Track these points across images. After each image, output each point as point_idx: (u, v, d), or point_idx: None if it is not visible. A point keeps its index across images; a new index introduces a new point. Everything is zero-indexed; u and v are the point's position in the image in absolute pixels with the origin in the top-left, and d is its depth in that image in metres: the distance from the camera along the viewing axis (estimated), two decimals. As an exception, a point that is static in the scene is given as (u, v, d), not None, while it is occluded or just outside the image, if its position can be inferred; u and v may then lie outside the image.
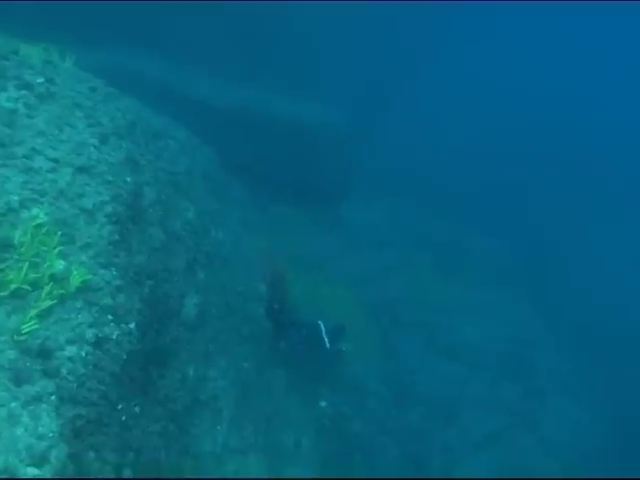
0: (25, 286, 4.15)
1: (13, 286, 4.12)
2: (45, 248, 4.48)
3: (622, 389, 14.19)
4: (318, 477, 8.91)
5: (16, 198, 4.72)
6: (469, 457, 10.85)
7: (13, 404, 3.62)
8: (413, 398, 11.28)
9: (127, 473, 4.62)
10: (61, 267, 4.47)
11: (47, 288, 4.20)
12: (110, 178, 5.63)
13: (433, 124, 21.97)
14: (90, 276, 4.59)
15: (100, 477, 4.19)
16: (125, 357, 4.74)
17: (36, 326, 3.99)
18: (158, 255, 6.09)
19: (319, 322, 10.11)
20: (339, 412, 10.16)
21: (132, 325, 4.95)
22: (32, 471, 3.43)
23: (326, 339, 10.02)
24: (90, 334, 4.33)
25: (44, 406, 3.74)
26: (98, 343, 4.39)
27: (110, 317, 4.64)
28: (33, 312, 4.05)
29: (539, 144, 23.28)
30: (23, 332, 3.93)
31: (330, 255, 13.22)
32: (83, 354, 4.20)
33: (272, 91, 14.09)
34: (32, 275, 4.23)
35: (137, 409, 5.10)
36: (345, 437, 9.88)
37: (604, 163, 23.64)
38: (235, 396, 7.74)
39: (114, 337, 4.61)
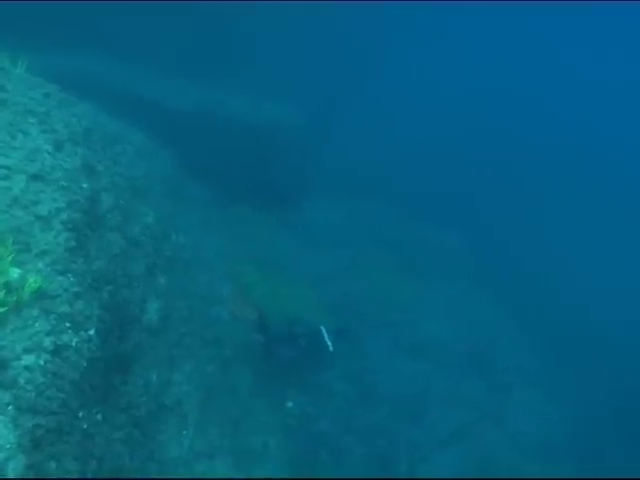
0: (-22, 296, 4.09)
1: (-35, 296, 4.06)
2: (-2, 256, 4.42)
3: (585, 381, 14.46)
4: (294, 477, 8.95)
5: (-33, 207, 4.65)
6: (435, 453, 10.92)
7: (-32, 417, 3.57)
8: (378, 397, 11.30)
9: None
10: (16, 275, 4.41)
11: (0, 296, 4.14)
12: (66, 184, 5.57)
13: (390, 122, 22.08)
14: (47, 283, 4.53)
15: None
16: (85, 364, 4.70)
17: (-9, 336, 3.94)
18: (117, 261, 6.04)
19: (321, 327, 10.35)
20: (305, 412, 10.15)
21: (92, 332, 4.90)
22: (-11, 484, 3.39)
23: (329, 343, 10.24)
24: (48, 342, 4.28)
25: (0, 417, 3.68)
26: (57, 351, 4.34)
27: (68, 324, 4.59)
28: (-13, 322, 3.99)
29: (496, 140, 23.57)
30: (-23, 343, 3.87)
31: (292, 256, 13.20)
32: (41, 363, 4.15)
33: (229, 91, 14.04)
34: (-15, 284, 4.17)
35: (99, 416, 5.05)
36: (312, 437, 9.87)
37: (559, 159, 24.07)
38: (200, 400, 7.71)
39: (73, 344, 4.56)
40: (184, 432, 7.07)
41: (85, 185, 5.90)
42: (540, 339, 15.00)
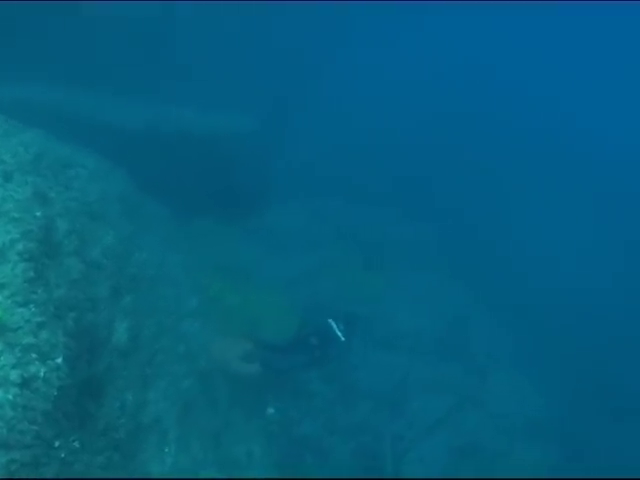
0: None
1: None
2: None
3: (561, 359, 14.72)
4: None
5: None
6: (420, 443, 11.06)
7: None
8: (358, 394, 11.40)
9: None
10: (-25, 311, 4.38)
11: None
12: (18, 215, 5.52)
13: (348, 120, 22.18)
14: (8, 316, 4.50)
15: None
16: (56, 393, 4.66)
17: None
18: (79, 286, 5.99)
19: (329, 320, 10.35)
20: (287, 417, 10.21)
21: (59, 360, 4.86)
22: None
23: (339, 334, 10.23)
24: (15, 375, 4.25)
25: (-27, 456, 3.66)
26: (25, 383, 4.31)
27: (34, 355, 4.56)
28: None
29: (459, 131, 23.83)
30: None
31: (258, 263, 13.22)
32: (10, 397, 4.12)
33: (179, 105, 13.96)
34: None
35: (77, 444, 5.01)
36: (295, 441, 9.94)
37: (525, 148, 24.44)
38: (179, 416, 7.69)
39: (41, 375, 4.53)
40: (166, 449, 7.05)
41: (38, 213, 5.85)
42: (512, 321, 15.22)
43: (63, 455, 4.65)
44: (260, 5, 16.57)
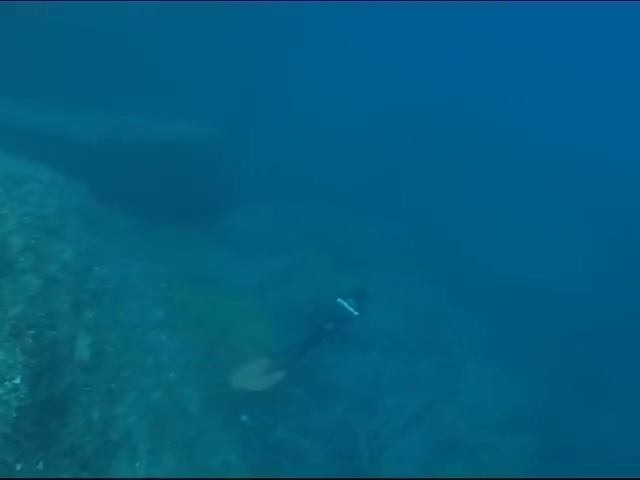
0: None
1: None
2: None
3: (535, 348, 14.82)
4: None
5: None
6: (397, 440, 11.02)
7: None
8: (333, 395, 11.32)
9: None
10: None
11: None
12: (-32, 234, 5.38)
13: (312, 121, 22.12)
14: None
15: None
16: (15, 415, 4.54)
17: None
18: (36, 302, 5.85)
19: (338, 300, 10.73)
20: (261, 423, 10.09)
21: (17, 380, 4.74)
22: None
23: (352, 309, 10.58)
24: (-31, 399, 4.13)
25: None
26: (-19, 407, 4.19)
27: (-10, 377, 4.44)
28: None
29: (423, 128, 23.92)
30: None
31: (225, 268, 13.10)
32: (-35, 421, 4.00)
33: (138, 115, 13.81)
34: None
35: (41, 465, 4.89)
36: (271, 446, 9.82)
37: (490, 142, 24.63)
38: (150, 429, 7.55)
39: (-2, 397, 4.41)
40: (137, 464, 6.91)
41: (-10, 231, 5.71)
42: (486, 314, 15.29)
43: (26, 478, 4.52)
44: (219, 9, 16.48)
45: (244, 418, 10.00)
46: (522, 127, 26.54)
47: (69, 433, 5.65)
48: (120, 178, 12.44)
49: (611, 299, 18.71)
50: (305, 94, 22.19)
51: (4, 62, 12.79)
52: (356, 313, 10.66)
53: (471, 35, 33.65)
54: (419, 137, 23.06)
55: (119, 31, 15.16)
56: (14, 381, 4.68)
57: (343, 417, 10.93)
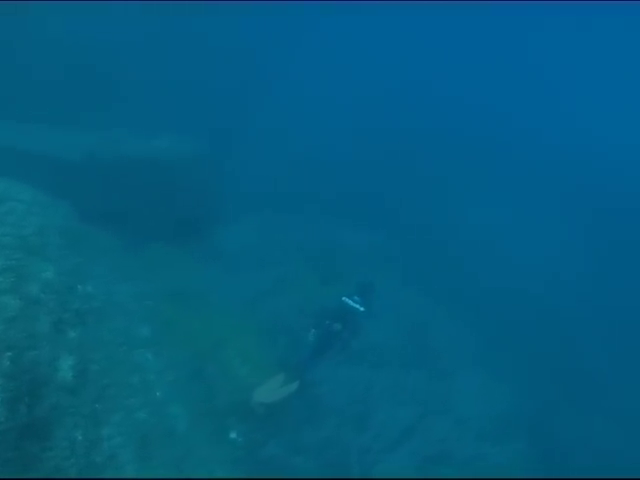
0: None
1: None
2: None
3: (523, 355, 14.79)
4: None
5: None
6: (388, 454, 10.93)
7: None
8: (323, 411, 11.22)
9: None
10: None
11: None
12: (-56, 255, 5.30)
13: (295, 133, 22.10)
14: None
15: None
16: (-6, 439, 4.46)
17: None
18: (16, 324, 5.77)
19: (343, 299, 10.84)
20: (251, 440, 9.98)
21: (-6, 404, 4.66)
22: None
23: (357, 306, 10.66)
24: (-57, 425, 4.04)
25: None
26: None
27: (-35, 402, 4.35)
28: None
29: (403, 135, 23.96)
30: None
31: (212, 285, 12.97)
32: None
33: (120, 133, 13.75)
34: None
35: (21, 490, 4.80)
36: (261, 463, 9.70)
37: (468, 148, 24.70)
38: (136, 449, 7.44)
39: (-26, 422, 4.32)
40: (123, 486, 6.80)
41: (-32, 252, 5.63)
42: (473, 322, 15.25)
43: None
44: (201, 27, 16.49)
45: (233, 435, 9.88)
46: (507, 132, 26.66)
47: (52, 456, 5.55)
48: (104, 196, 12.39)
49: (602, 305, 18.74)
50: (288, 107, 22.21)
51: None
52: (362, 309, 10.67)
53: (462, 41, 33.83)
54: (402, 148, 23.09)
55: (101, 47, 15.11)
56: (-9, 405, 4.58)
57: (334, 432, 10.83)
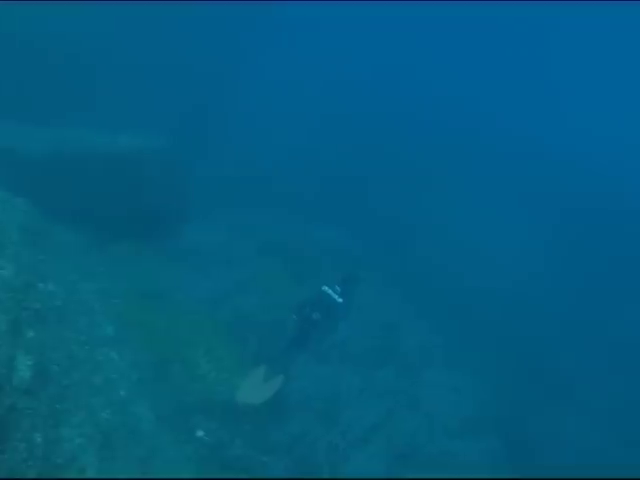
0: None
1: None
2: None
3: (491, 351, 14.88)
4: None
5: None
6: (357, 451, 10.90)
7: None
8: (290, 409, 11.16)
9: None
10: None
11: None
12: None
13: (262, 127, 21.99)
14: None
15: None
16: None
17: None
18: (-31, 324, 5.60)
19: (323, 288, 10.67)
20: (217, 439, 9.87)
21: (-56, 407, 4.50)
22: None
23: (336, 297, 10.49)
24: None
25: None
26: None
27: None
28: None
29: (376, 132, 23.95)
30: None
31: (179, 283, 12.84)
32: None
33: (83, 130, 13.51)
34: None
35: (-26, 494, 4.65)
36: (228, 463, 9.60)
37: (443, 143, 24.79)
38: (99, 449, 7.29)
39: None
40: (85, 487, 6.65)
41: None
42: (441, 320, 15.31)
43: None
44: (165, 21, 16.28)
45: (200, 434, 9.76)
46: (486, 130, 26.86)
47: (7, 459, 5.40)
48: (67, 193, 12.14)
49: (570, 302, 18.95)
50: (257, 102, 22.11)
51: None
52: (340, 300, 10.60)
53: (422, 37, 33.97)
54: (378, 145, 23.12)
55: (61, 44, 14.84)
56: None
57: (302, 430, 10.78)
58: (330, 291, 10.79)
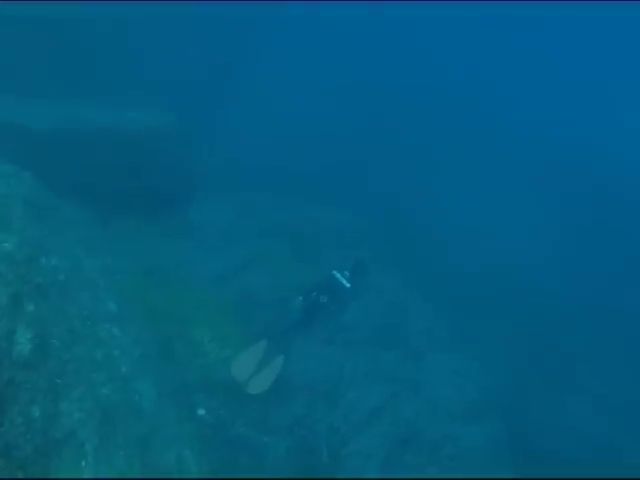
0: None
1: None
2: None
3: (496, 336, 14.81)
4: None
5: None
6: (358, 434, 10.84)
7: None
8: (293, 390, 11.10)
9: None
10: None
11: None
12: None
13: (271, 110, 21.86)
14: None
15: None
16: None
17: None
18: (-31, 296, 5.55)
19: (332, 272, 10.73)
20: (219, 417, 9.85)
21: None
22: None
23: (344, 281, 10.53)
24: None
25: None
26: None
27: None
28: None
29: (380, 118, 23.78)
30: None
31: (183, 261, 12.80)
32: None
33: (92, 105, 13.42)
34: None
35: (-32, 468, 4.61)
36: (229, 442, 9.58)
37: (446, 130, 24.59)
38: (98, 425, 7.25)
39: None
40: (83, 463, 6.62)
41: None
42: (446, 303, 15.23)
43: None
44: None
45: (201, 412, 9.75)
46: (485, 113, 26.59)
47: (4, 432, 5.37)
48: (73, 168, 12.08)
49: (575, 286, 18.85)
50: (264, 81, 21.94)
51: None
52: (347, 285, 10.58)
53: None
54: (379, 126, 22.95)
55: (68, 16, 14.69)
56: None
57: (303, 411, 10.73)
58: (339, 275, 10.77)
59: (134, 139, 13.36)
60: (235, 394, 10.21)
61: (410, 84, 26.05)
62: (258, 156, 19.17)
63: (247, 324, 11.86)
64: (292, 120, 21.60)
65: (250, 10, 19.35)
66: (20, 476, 5.37)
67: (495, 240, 19.67)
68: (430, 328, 14.28)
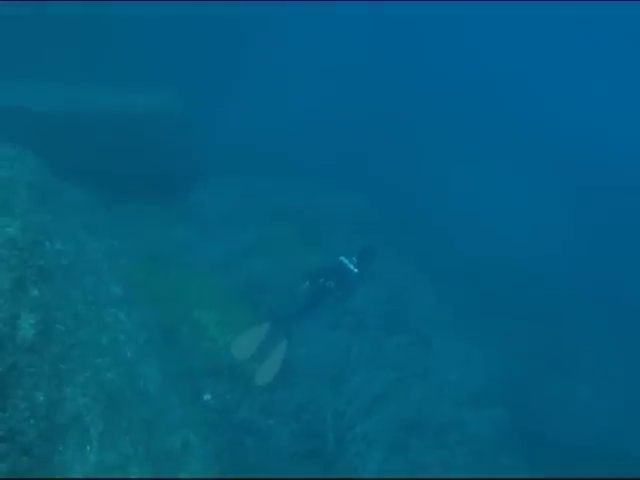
0: None
1: None
2: None
3: (502, 321, 14.77)
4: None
5: None
6: (363, 419, 10.84)
7: None
8: (298, 374, 11.07)
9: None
10: None
11: None
12: None
13: (276, 94, 21.71)
14: None
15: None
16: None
17: None
18: (-30, 281, 5.50)
19: (340, 258, 10.67)
20: (224, 402, 9.84)
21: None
22: None
23: (351, 267, 10.51)
24: None
25: None
26: None
27: None
28: None
29: (389, 103, 23.62)
30: None
31: (188, 245, 12.77)
32: None
33: (97, 89, 13.36)
34: None
35: (-29, 454, 4.58)
36: (234, 426, 9.59)
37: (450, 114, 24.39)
38: (103, 410, 7.23)
39: None
40: (88, 447, 6.61)
41: None
42: (453, 288, 15.18)
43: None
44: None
45: (207, 397, 9.74)
46: (499, 99, 26.36)
47: (7, 418, 5.33)
48: (78, 152, 12.03)
49: (582, 273, 18.79)
50: (271, 64, 21.78)
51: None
52: (355, 270, 10.55)
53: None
54: (387, 111, 22.78)
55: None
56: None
57: (309, 396, 10.71)
58: (346, 261, 10.73)
59: (141, 123, 13.33)
60: (240, 379, 10.20)
61: (424, 73, 25.82)
62: (267, 139, 19.03)
63: (253, 309, 11.82)
64: (304, 105, 21.41)
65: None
66: (24, 462, 5.34)
67: (505, 227, 19.57)
68: (437, 314, 14.24)
